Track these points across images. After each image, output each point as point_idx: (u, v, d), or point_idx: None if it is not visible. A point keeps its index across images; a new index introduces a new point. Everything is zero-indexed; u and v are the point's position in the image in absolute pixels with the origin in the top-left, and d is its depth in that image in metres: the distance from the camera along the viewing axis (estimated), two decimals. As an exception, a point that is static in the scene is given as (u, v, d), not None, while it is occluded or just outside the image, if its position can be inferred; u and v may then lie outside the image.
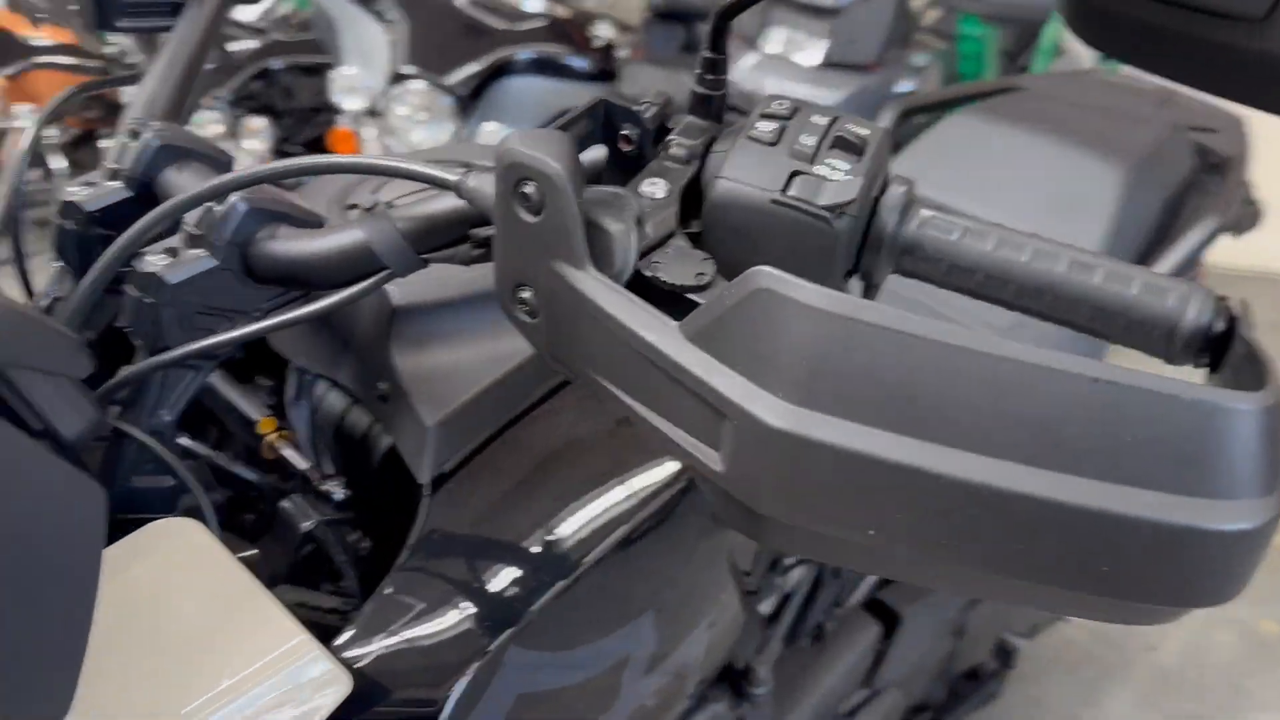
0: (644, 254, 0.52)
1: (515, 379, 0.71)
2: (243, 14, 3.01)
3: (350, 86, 2.85)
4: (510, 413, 0.71)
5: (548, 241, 0.49)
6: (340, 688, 0.56)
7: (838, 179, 0.50)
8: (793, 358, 0.41)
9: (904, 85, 2.69)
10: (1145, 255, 1.38)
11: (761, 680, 1.02)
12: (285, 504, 0.67)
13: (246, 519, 0.71)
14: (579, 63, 3.05)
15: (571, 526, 0.69)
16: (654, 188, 0.53)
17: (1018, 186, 1.38)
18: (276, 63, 3.02)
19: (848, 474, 0.41)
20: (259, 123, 2.90)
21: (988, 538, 0.40)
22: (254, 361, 0.78)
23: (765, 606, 1.08)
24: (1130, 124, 1.53)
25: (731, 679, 1.02)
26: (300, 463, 0.70)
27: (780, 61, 2.68)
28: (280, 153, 2.93)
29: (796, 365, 0.41)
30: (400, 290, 0.72)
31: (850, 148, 0.51)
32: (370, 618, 0.62)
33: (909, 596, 1.34)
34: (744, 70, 2.68)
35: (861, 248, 0.52)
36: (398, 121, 2.85)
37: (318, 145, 2.98)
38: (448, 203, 0.58)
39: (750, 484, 0.43)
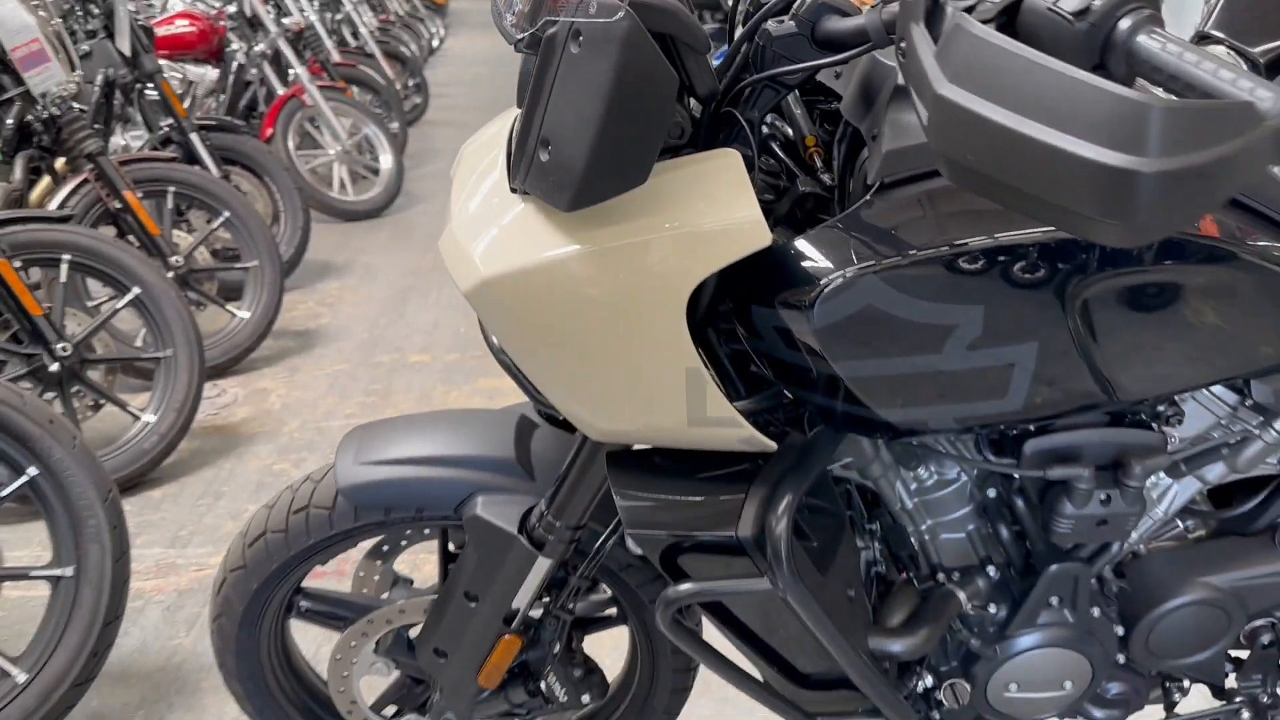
0: None
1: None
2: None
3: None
4: None
5: None
6: (759, 244, 1.04)
7: None
8: (955, 57, 0.78)
9: None
10: None
11: (1135, 476, 1.21)
12: (800, 179, 1.17)
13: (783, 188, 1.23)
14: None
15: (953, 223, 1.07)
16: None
17: None
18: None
19: (982, 134, 0.76)
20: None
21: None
22: (828, 118, 1.28)
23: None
24: None
25: (1115, 469, 1.23)
26: (818, 164, 1.19)
27: None
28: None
29: (957, 61, 0.78)
30: (903, 72, 1.14)
31: None
32: (808, 233, 1.09)
33: None
34: None
35: (1103, 49, 0.82)
36: None
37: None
38: None
39: (934, 132, 0.81)
